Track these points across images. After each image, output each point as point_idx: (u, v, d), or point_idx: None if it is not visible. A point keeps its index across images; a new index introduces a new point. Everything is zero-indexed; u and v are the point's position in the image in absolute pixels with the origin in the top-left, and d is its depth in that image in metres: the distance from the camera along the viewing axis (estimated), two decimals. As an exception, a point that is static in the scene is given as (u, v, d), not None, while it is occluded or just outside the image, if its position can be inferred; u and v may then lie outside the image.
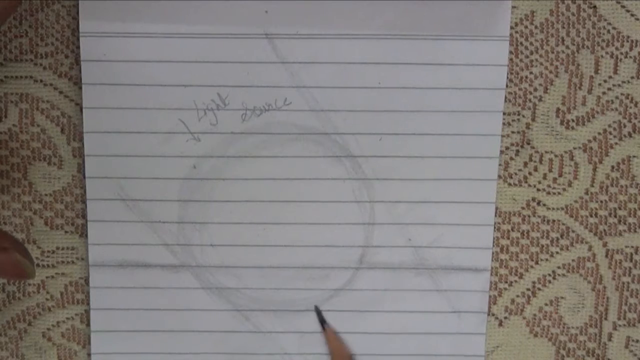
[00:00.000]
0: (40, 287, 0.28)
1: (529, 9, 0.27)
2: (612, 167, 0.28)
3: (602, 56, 0.27)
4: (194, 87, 0.26)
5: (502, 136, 0.27)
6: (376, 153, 0.27)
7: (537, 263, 0.28)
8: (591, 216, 0.28)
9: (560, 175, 0.28)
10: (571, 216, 0.28)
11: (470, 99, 0.27)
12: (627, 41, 0.27)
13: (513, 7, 0.26)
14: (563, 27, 0.27)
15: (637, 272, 0.28)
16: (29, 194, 0.27)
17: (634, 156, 0.28)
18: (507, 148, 0.28)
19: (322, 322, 0.27)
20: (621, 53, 0.27)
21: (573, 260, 0.28)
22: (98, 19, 0.26)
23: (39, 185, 0.27)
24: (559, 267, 0.28)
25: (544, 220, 0.28)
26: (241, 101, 0.26)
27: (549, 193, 0.28)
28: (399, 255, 0.28)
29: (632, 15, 0.27)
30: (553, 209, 0.28)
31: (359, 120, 0.27)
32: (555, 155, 0.28)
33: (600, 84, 0.27)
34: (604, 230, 0.28)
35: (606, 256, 0.28)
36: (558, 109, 0.27)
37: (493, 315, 0.29)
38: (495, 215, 0.28)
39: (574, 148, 0.28)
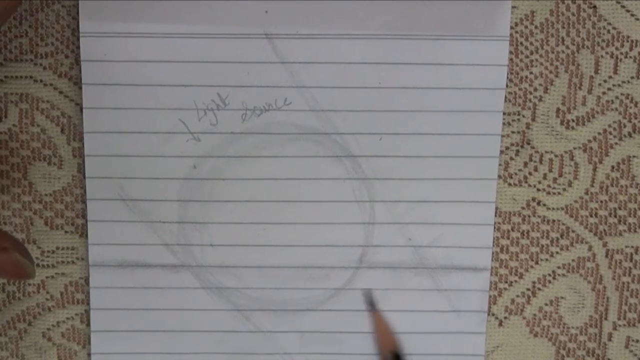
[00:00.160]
0: (40, 287, 0.28)
1: (529, 9, 0.27)
2: (612, 167, 0.28)
3: (602, 56, 0.27)
4: (194, 87, 0.26)
5: (502, 136, 0.27)
6: (376, 153, 0.27)
7: (537, 263, 0.28)
8: (591, 216, 0.28)
9: (560, 175, 0.28)
10: (571, 216, 0.28)
11: (470, 99, 0.27)
12: (627, 41, 0.27)
13: (513, 7, 0.26)
14: (563, 27, 0.27)
15: (637, 272, 0.28)
16: (29, 194, 0.27)
17: (634, 156, 0.28)
18: (507, 148, 0.28)
19: (372, 304, 0.26)
20: (621, 53, 0.27)
21: (573, 260, 0.28)
22: (98, 19, 0.26)
23: (39, 185, 0.27)
24: (559, 267, 0.28)
25: (544, 220, 0.28)
26: (241, 101, 0.26)
27: (549, 193, 0.28)
28: (399, 255, 0.28)
29: (632, 15, 0.27)
30: (553, 209, 0.28)
31: (359, 120, 0.27)
32: (555, 155, 0.28)
33: (600, 84, 0.27)
34: (604, 230, 0.28)
35: (606, 256, 0.28)
36: (558, 109, 0.27)
37: (493, 315, 0.29)
38: (495, 215, 0.28)
39: (574, 148, 0.28)
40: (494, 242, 0.28)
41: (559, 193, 0.28)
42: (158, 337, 0.28)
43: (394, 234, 0.28)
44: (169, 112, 0.26)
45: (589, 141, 0.28)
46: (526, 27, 0.27)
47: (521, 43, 0.27)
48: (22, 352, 0.28)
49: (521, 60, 0.27)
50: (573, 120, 0.27)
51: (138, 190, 0.27)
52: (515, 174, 0.28)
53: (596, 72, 0.27)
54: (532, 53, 0.27)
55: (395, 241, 0.28)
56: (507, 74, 0.27)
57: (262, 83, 0.26)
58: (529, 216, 0.28)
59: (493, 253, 0.28)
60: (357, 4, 0.26)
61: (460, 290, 0.28)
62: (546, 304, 0.29)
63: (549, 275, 0.28)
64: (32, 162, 0.27)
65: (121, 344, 0.28)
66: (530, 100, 0.27)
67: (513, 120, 0.27)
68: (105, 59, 0.26)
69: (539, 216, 0.28)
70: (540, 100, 0.27)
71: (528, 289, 0.28)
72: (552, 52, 0.27)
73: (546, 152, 0.28)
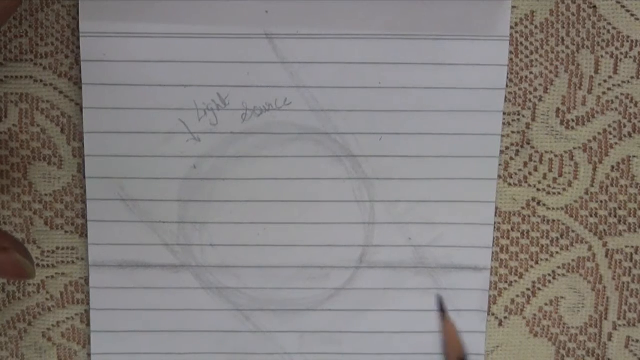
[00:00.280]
0: (40, 287, 0.28)
1: (529, 9, 0.27)
2: (612, 167, 0.28)
3: (602, 56, 0.27)
4: (194, 87, 0.26)
5: (502, 136, 0.27)
6: (376, 153, 0.27)
7: (537, 263, 0.28)
8: (591, 216, 0.28)
9: (560, 175, 0.28)
10: (571, 216, 0.28)
11: (470, 99, 0.27)
12: (627, 41, 0.27)
13: (513, 7, 0.26)
14: (563, 27, 0.27)
15: (637, 272, 0.28)
16: (29, 194, 0.27)
17: (634, 156, 0.28)
18: (507, 148, 0.28)
19: (443, 310, 0.26)
20: (621, 53, 0.27)
21: (573, 260, 0.28)
22: (98, 19, 0.26)
23: (39, 185, 0.27)
24: (559, 267, 0.28)
25: (544, 220, 0.28)
26: (241, 101, 0.26)
27: (549, 193, 0.28)
28: (399, 255, 0.28)
29: (632, 15, 0.27)
30: (553, 209, 0.28)
31: (359, 120, 0.27)
32: (555, 155, 0.28)
33: (600, 84, 0.27)
34: (604, 230, 0.28)
35: (606, 256, 0.28)
36: (558, 109, 0.27)
37: (493, 315, 0.29)
38: (495, 215, 0.28)
39: (574, 148, 0.28)
40: (494, 242, 0.28)
41: (559, 193, 0.28)
42: (158, 337, 0.28)
43: (394, 234, 0.28)
44: (169, 112, 0.26)
45: (589, 141, 0.28)
46: (526, 27, 0.27)
47: (521, 43, 0.27)
48: (22, 352, 0.28)
49: (521, 60, 0.27)
50: (573, 120, 0.27)
51: (138, 190, 0.27)
52: (515, 174, 0.28)
53: (596, 72, 0.27)
54: (532, 53, 0.27)
55: (395, 241, 0.28)
56: (507, 74, 0.27)
57: (262, 83, 0.26)
58: (529, 216, 0.28)
59: (493, 253, 0.28)
60: (357, 4, 0.26)
61: (460, 290, 0.28)
62: (546, 304, 0.29)
63: (549, 275, 0.28)
64: (32, 162, 0.27)
65: (121, 344, 0.28)
66: (530, 100, 0.27)
67: (513, 120, 0.27)
68: (105, 59, 0.26)
69: (539, 216, 0.28)
70: (540, 100, 0.27)
71: (528, 289, 0.28)
72: (552, 52, 0.27)
73: (546, 152, 0.28)
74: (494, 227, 0.28)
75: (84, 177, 0.27)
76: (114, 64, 0.26)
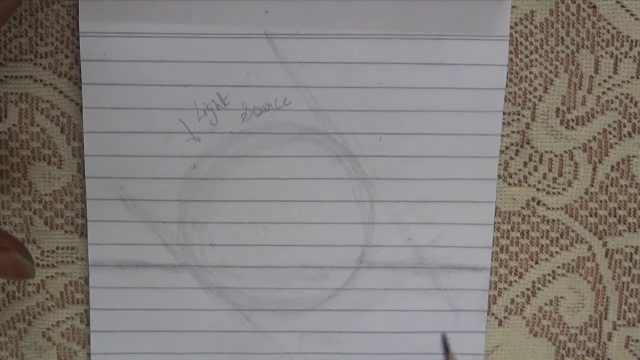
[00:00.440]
0: (40, 287, 0.28)
1: (529, 9, 0.27)
2: (612, 167, 0.28)
3: (602, 56, 0.27)
4: (194, 87, 0.26)
5: (502, 136, 0.27)
6: (376, 153, 0.27)
7: (537, 263, 0.28)
8: (591, 216, 0.28)
9: (560, 175, 0.28)
10: (571, 216, 0.28)
11: (470, 99, 0.27)
12: (627, 41, 0.27)
13: (513, 7, 0.26)
14: (563, 27, 0.27)
15: (637, 272, 0.28)
16: (29, 194, 0.27)
17: (634, 156, 0.28)
18: (507, 148, 0.28)
19: (447, 349, 0.27)
20: (621, 53, 0.27)
21: (573, 260, 0.28)
22: (98, 19, 0.26)
23: (39, 185, 0.27)
24: (559, 267, 0.28)
25: (544, 220, 0.28)
26: (241, 101, 0.26)
27: (549, 193, 0.28)
28: (399, 255, 0.28)
29: (632, 15, 0.27)
30: (553, 209, 0.28)
31: (359, 120, 0.27)
32: (555, 155, 0.28)
33: (600, 84, 0.27)
34: (604, 230, 0.28)
35: (606, 256, 0.28)
36: (558, 109, 0.27)
37: (493, 315, 0.29)
38: (495, 215, 0.28)
39: (574, 148, 0.28)
40: (494, 242, 0.28)
41: (559, 193, 0.28)
42: (158, 337, 0.28)
43: (394, 234, 0.28)
44: (169, 112, 0.26)
45: (589, 141, 0.28)
46: (526, 27, 0.27)
47: (521, 43, 0.27)
48: (22, 352, 0.28)
49: (521, 60, 0.27)
50: (573, 120, 0.27)
51: (138, 190, 0.27)
52: (515, 174, 0.28)
53: (596, 72, 0.27)
54: (532, 53, 0.27)
55: (395, 241, 0.28)
56: (507, 74, 0.27)
57: (262, 83, 0.26)
58: (529, 216, 0.28)
59: (493, 253, 0.28)
60: (357, 4, 0.26)
61: (460, 290, 0.28)
62: (546, 304, 0.29)
63: (549, 275, 0.28)
64: (32, 162, 0.27)
65: (121, 344, 0.28)
66: (530, 100, 0.27)
67: (513, 120, 0.27)
68: (105, 59, 0.26)
69: (539, 216, 0.28)
70: (540, 100, 0.27)
71: (528, 289, 0.28)
72: (552, 52, 0.27)
73: (546, 152, 0.28)
74: (494, 227, 0.28)
75: (84, 177, 0.27)
76: (114, 64, 0.26)
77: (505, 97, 0.27)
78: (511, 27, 0.27)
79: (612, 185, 0.28)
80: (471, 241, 0.28)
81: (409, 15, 0.26)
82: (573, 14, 0.27)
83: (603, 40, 0.27)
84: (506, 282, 0.28)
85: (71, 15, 0.26)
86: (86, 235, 0.27)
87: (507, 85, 0.27)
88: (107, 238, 0.27)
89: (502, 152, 0.27)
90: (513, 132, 0.27)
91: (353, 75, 0.26)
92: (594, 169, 0.28)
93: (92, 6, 0.25)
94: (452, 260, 0.28)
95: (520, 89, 0.27)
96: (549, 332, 0.29)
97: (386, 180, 0.27)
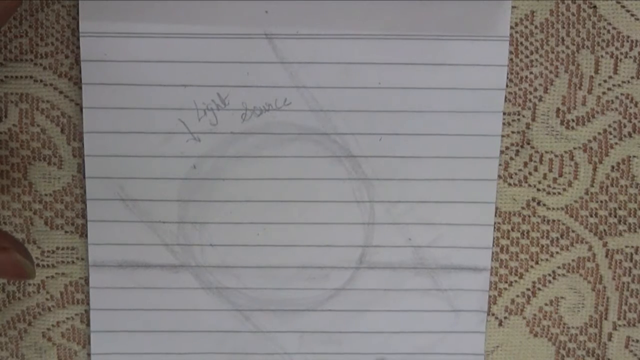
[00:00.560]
0: (40, 287, 0.28)
1: (529, 9, 0.27)
2: (612, 167, 0.28)
3: (602, 56, 0.27)
4: (194, 87, 0.26)
5: (502, 136, 0.27)
6: (376, 153, 0.27)
7: (537, 263, 0.28)
8: (591, 216, 0.28)
9: (560, 175, 0.28)
10: (571, 216, 0.28)
11: (470, 99, 0.27)
12: (627, 41, 0.27)
13: (513, 7, 0.26)
14: (563, 27, 0.27)
15: (637, 272, 0.28)
16: (29, 194, 0.27)
17: (634, 156, 0.28)
18: (507, 148, 0.28)
19: None
20: (621, 53, 0.27)
21: (573, 260, 0.28)
22: (98, 19, 0.26)
23: (39, 185, 0.27)
24: (559, 267, 0.28)
25: (544, 220, 0.28)
26: (241, 101, 0.26)
27: (549, 193, 0.28)
28: (398, 255, 0.28)
29: (632, 15, 0.27)
30: (553, 209, 0.28)
31: (359, 120, 0.27)
32: (555, 155, 0.28)
33: (600, 84, 0.27)
34: (604, 230, 0.28)
35: (606, 256, 0.28)
36: (558, 109, 0.27)
37: (493, 315, 0.29)
38: (495, 215, 0.28)
39: (574, 148, 0.28)
40: (494, 242, 0.28)
41: (559, 193, 0.28)
42: (158, 337, 0.28)
43: (394, 234, 0.28)
44: (169, 112, 0.26)
45: (589, 141, 0.28)
46: (526, 27, 0.27)
47: (521, 43, 0.27)
48: (22, 352, 0.28)
49: (521, 60, 0.27)
50: (573, 120, 0.27)
51: (138, 190, 0.27)
52: (515, 174, 0.28)
53: (596, 72, 0.27)
54: (532, 53, 0.27)
55: (395, 241, 0.28)
56: (507, 74, 0.27)
57: (262, 83, 0.26)
58: (529, 216, 0.28)
59: (493, 253, 0.28)
60: (357, 4, 0.26)
61: (460, 290, 0.28)
62: (546, 304, 0.29)
63: (549, 275, 0.28)
64: (32, 162, 0.27)
65: (121, 344, 0.28)
66: (530, 100, 0.27)
67: (513, 120, 0.27)
68: (105, 58, 0.26)
69: (539, 216, 0.28)
70: (540, 100, 0.27)
71: (528, 289, 0.28)
72: (552, 52, 0.27)
73: (546, 152, 0.28)
74: (494, 227, 0.28)
75: (84, 177, 0.27)
76: (114, 64, 0.26)
77: (505, 97, 0.27)
78: (511, 27, 0.27)
79: (612, 185, 0.28)
80: (471, 241, 0.28)
81: (409, 15, 0.26)
82: (573, 14, 0.27)
83: (603, 40, 0.27)
84: (506, 282, 0.28)
85: (71, 15, 0.26)
86: (86, 235, 0.27)
87: (507, 85, 0.27)
88: (107, 238, 0.27)
89: (502, 152, 0.27)
90: (513, 132, 0.27)
91: (353, 75, 0.26)
92: (594, 169, 0.28)
93: (92, 6, 0.25)
94: (452, 261, 0.28)
95: (520, 89, 0.27)
96: (549, 332, 0.29)
97: (386, 181, 0.27)
